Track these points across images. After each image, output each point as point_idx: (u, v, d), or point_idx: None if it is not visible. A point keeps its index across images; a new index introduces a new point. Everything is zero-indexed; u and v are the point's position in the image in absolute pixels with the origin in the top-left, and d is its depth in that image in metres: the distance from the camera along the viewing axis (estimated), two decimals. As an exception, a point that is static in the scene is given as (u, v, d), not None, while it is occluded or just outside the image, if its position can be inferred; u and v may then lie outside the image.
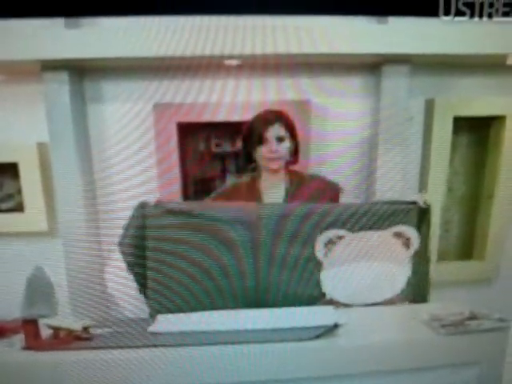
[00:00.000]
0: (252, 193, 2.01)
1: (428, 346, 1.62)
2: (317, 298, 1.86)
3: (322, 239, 1.83)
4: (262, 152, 1.93)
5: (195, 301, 1.85)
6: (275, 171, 1.98)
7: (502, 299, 1.86)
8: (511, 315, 1.64)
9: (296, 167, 2.07)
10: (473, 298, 2.04)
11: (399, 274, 1.92)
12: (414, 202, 1.91)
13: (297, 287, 1.86)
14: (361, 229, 1.86)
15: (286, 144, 1.96)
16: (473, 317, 1.71)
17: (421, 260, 1.95)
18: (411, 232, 1.89)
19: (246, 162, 2.04)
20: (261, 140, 1.92)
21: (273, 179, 2.01)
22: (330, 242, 1.85)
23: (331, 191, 2.02)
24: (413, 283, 1.94)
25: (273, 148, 1.92)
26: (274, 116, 1.96)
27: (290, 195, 1.99)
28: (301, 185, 2.02)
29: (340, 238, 1.85)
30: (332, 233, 1.84)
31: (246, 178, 2.07)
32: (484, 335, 1.63)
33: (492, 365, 1.62)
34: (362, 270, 1.89)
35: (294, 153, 2.02)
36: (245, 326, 1.67)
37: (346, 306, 1.85)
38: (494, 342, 1.63)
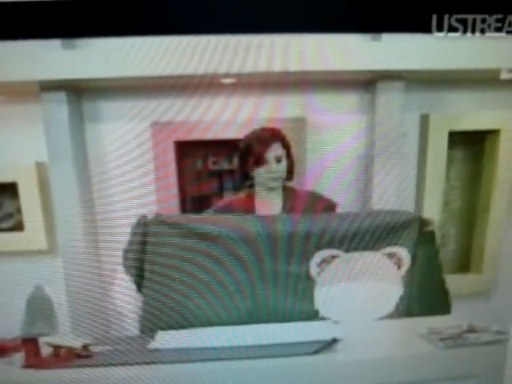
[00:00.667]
0: (248, 210, 2.01)
1: (426, 360, 1.62)
2: (311, 315, 1.86)
3: (316, 258, 1.84)
4: (260, 172, 1.94)
5: (190, 317, 1.85)
6: (272, 189, 1.99)
7: (500, 312, 1.85)
8: (509, 328, 1.64)
9: (291, 183, 2.08)
10: (471, 311, 2.04)
11: (391, 293, 1.93)
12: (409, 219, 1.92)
13: (292, 305, 1.87)
14: (355, 249, 1.86)
15: (284, 163, 1.96)
16: (471, 330, 1.72)
17: (432, 273, 1.96)
18: (403, 253, 1.90)
19: (243, 180, 2.04)
20: (261, 161, 1.92)
21: (269, 196, 2.01)
22: (324, 262, 1.86)
23: (326, 208, 2.03)
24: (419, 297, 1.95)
25: (273, 168, 1.93)
26: (272, 135, 1.96)
27: (286, 212, 1.99)
28: (296, 201, 2.02)
29: (334, 257, 1.86)
30: (327, 252, 1.85)
31: (242, 195, 2.08)
32: (483, 348, 1.64)
33: (491, 378, 1.63)
34: (354, 290, 1.90)
35: (290, 170, 2.02)
36: (243, 341, 1.67)
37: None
38: (492, 355, 1.63)
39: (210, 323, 1.84)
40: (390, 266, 1.91)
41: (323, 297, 1.87)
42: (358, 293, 1.90)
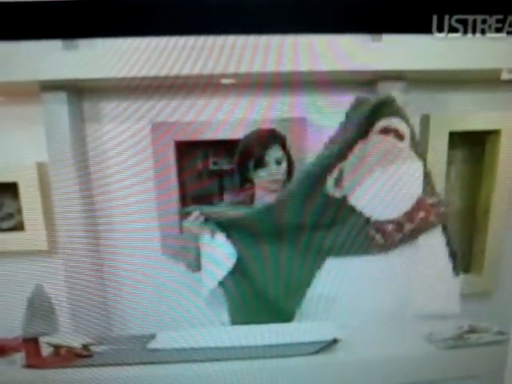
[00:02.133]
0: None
1: (427, 360, 1.62)
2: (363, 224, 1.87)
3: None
4: (260, 175, 1.93)
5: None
6: (273, 191, 1.97)
7: (501, 312, 1.86)
8: (510, 328, 1.64)
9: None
10: (472, 312, 2.03)
11: (413, 169, 1.92)
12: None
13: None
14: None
15: (284, 165, 1.96)
16: (472, 330, 1.72)
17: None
18: (396, 122, 1.88)
19: (242, 183, 2.04)
20: (261, 164, 1.92)
21: (269, 198, 1.97)
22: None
23: None
24: None
25: (273, 171, 1.92)
26: (271, 137, 1.96)
27: None
28: None
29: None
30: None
31: (242, 198, 2.07)
32: (483, 349, 1.64)
33: (492, 378, 1.63)
34: (379, 180, 1.89)
35: (290, 172, 2.01)
36: (244, 342, 1.67)
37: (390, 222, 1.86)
38: (493, 356, 1.63)
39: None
40: (390, 142, 1.89)
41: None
42: (385, 182, 1.88)
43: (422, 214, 1.87)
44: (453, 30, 1.61)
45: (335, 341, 1.61)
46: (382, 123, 1.87)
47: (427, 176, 1.95)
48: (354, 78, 2.54)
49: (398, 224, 1.86)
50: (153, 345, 1.69)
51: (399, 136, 1.89)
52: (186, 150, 2.66)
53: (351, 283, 1.89)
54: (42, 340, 1.65)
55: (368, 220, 1.87)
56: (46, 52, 2.21)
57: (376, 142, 1.89)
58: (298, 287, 1.87)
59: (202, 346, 1.66)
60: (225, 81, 2.36)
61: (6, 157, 2.52)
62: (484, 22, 1.60)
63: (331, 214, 1.87)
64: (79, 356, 1.64)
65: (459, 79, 2.58)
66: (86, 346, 1.68)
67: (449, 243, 1.92)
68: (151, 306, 2.15)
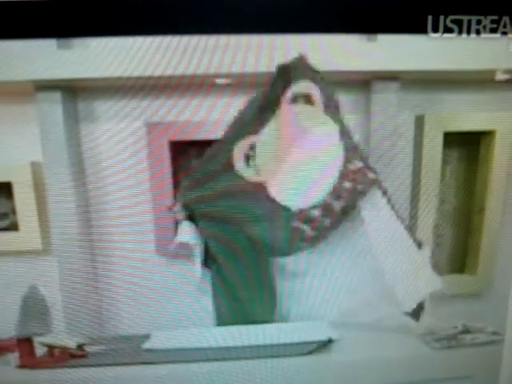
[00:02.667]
0: None
1: (422, 360, 1.63)
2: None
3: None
4: None
5: None
6: None
7: (495, 313, 1.86)
8: (504, 329, 1.65)
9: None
10: (466, 312, 2.04)
11: (329, 136, 1.81)
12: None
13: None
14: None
15: None
16: (466, 331, 1.73)
17: None
18: (305, 86, 1.80)
19: None
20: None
21: None
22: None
23: None
24: None
25: None
26: None
27: None
28: None
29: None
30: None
31: None
32: (478, 349, 1.65)
33: (486, 378, 1.64)
34: (296, 160, 1.81)
35: None
36: (238, 342, 1.67)
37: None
38: (487, 356, 1.64)
39: None
40: (300, 109, 1.84)
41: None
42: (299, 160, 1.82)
43: (347, 185, 1.78)
44: (448, 30, 1.61)
45: (330, 341, 1.61)
46: (293, 89, 1.81)
47: (348, 140, 1.86)
48: (348, 78, 2.54)
49: (325, 206, 1.77)
50: (148, 345, 1.69)
51: (309, 101, 1.81)
52: (181, 150, 2.66)
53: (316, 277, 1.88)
54: (36, 340, 1.65)
55: (290, 211, 1.79)
56: (41, 51, 2.20)
57: (286, 112, 1.79)
58: (261, 285, 1.85)
59: (196, 346, 1.66)
60: (219, 80, 2.35)
61: (0, 156, 2.52)
62: (479, 22, 1.61)
63: (253, 204, 1.82)
64: (73, 356, 1.64)
65: (454, 79, 2.58)
66: (80, 346, 1.68)
67: (398, 215, 1.89)
68: (145, 306, 2.15)
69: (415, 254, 1.85)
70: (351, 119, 2.61)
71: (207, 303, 1.95)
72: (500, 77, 2.20)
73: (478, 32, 1.63)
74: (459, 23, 1.61)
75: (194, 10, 1.51)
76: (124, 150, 2.44)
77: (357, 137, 2.58)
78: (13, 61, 2.18)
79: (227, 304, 1.90)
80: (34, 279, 1.92)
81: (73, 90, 2.49)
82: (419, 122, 2.67)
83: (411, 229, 1.88)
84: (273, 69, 2.19)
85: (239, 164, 1.80)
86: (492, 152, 2.71)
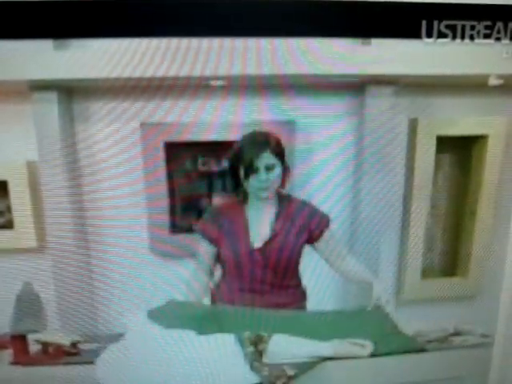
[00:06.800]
0: (238, 219, 1.95)
1: (412, 362, 1.63)
2: None
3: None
4: (251, 181, 1.83)
5: None
6: (264, 198, 1.89)
7: (486, 315, 1.88)
8: (494, 331, 1.66)
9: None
10: (456, 315, 2.05)
11: None
12: None
13: None
14: None
15: (277, 171, 1.84)
16: (457, 333, 1.74)
17: None
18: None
19: (234, 187, 1.95)
20: (251, 170, 1.80)
21: (262, 205, 1.93)
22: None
23: (319, 221, 1.95)
24: None
25: (262, 178, 1.80)
26: (263, 142, 1.84)
27: (278, 221, 1.92)
28: (290, 210, 1.95)
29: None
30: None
31: (231, 202, 2.01)
32: (468, 351, 1.66)
33: (476, 380, 1.64)
34: None
35: (283, 178, 1.90)
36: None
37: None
38: (477, 358, 1.65)
39: None
40: None
41: None
42: None
43: None
44: (442, 35, 1.63)
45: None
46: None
47: None
48: (343, 82, 2.55)
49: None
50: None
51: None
52: (176, 151, 2.66)
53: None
54: (31, 337, 1.65)
55: None
56: (37, 52, 2.21)
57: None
58: None
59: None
60: (214, 82, 2.36)
61: (-4, 155, 2.53)
62: (473, 28, 1.63)
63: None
64: (67, 353, 1.64)
65: (448, 84, 2.60)
66: (74, 344, 1.68)
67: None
68: (139, 304, 2.15)
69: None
70: (345, 123, 2.64)
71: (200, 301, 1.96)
72: (493, 82, 2.22)
73: (471, 37, 1.64)
74: (453, 28, 1.62)
75: (188, 13, 1.52)
76: (119, 150, 2.45)
77: (351, 140, 2.62)
78: (9, 61, 2.19)
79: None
80: (28, 277, 1.92)
81: (69, 91, 2.50)
82: (412, 125, 2.68)
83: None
84: (268, 72, 2.21)
85: None
86: (484, 156, 2.72)
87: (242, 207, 1.96)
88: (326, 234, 1.94)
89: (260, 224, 1.93)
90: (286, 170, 1.91)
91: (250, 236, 1.91)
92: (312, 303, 2.03)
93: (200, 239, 1.96)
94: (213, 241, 1.94)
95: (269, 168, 1.81)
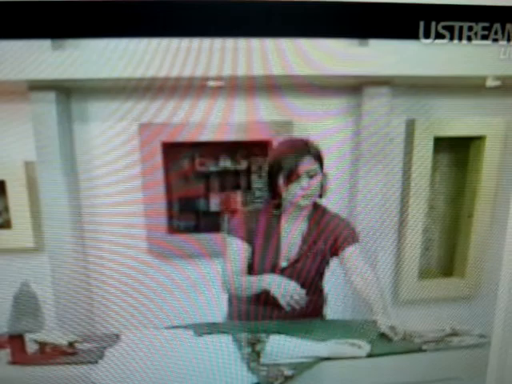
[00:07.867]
0: (271, 232, 1.88)
1: (410, 363, 1.63)
2: None
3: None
4: (291, 188, 1.77)
5: None
6: (302, 207, 1.84)
7: (483, 316, 1.88)
8: (491, 331, 1.67)
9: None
10: (454, 315, 2.05)
11: None
12: None
13: None
14: None
15: (318, 178, 1.79)
16: (454, 333, 1.74)
17: None
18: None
19: (271, 197, 1.88)
20: (292, 177, 1.74)
21: (295, 216, 1.88)
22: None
23: (347, 236, 1.87)
24: None
25: (304, 185, 1.75)
26: (304, 147, 1.79)
27: (308, 238, 1.86)
28: (321, 226, 1.88)
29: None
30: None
31: (265, 210, 1.94)
32: (465, 351, 1.66)
33: (473, 381, 1.64)
34: None
35: (323, 186, 1.85)
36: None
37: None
38: (474, 358, 1.65)
39: None
40: None
41: None
42: None
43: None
44: (439, 36, 1.62)
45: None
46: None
47: None
48: (340, 83, 2.55)
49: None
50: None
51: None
52: (173, 151, 2.67)
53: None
54: (28, 337, 1.65)
55: None
56: (35, 52, 2.21)
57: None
58: None
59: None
60: (212, 83, 2.36)
61: (-5, 155, 2.53)
62: (470, 29, 1.62)
63: None
64: (64, 353, 1.64)
65: (445, 85, 2.60)
66: (71, 344, 1.68)
67: None
68: (136, 304, 2.15)
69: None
70: (343, 123, 2.64)
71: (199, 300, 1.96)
72: (490, 83, 2.22)
73: (469, 38, 1.64)
74: (451, 29, 1.62)
75: (186, 13, 1.51)
76: (117, 150, 2.45)
77: (348, 141, 2.62)
78: (7, 61, 2.19)
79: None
80: (26, 276, 1.92)
81: (67, 91, 2.50)
82: (410, 126, 2.69)
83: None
84: (266, 72, 2.21)
85: None
86: (482, 157, 2.73)
87: (277, 220, 1.90)
88: (351, 249, 1.86)
89: (290, 240, 1.88)
90: (325, 178, 1.85)
91: (279, 255, 1.87)
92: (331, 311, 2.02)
93: (233, 238, 1.87)
94: (249, 241, 1.87)
95: (310, 174, 1.76)
